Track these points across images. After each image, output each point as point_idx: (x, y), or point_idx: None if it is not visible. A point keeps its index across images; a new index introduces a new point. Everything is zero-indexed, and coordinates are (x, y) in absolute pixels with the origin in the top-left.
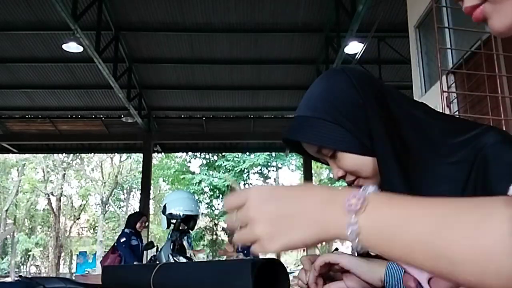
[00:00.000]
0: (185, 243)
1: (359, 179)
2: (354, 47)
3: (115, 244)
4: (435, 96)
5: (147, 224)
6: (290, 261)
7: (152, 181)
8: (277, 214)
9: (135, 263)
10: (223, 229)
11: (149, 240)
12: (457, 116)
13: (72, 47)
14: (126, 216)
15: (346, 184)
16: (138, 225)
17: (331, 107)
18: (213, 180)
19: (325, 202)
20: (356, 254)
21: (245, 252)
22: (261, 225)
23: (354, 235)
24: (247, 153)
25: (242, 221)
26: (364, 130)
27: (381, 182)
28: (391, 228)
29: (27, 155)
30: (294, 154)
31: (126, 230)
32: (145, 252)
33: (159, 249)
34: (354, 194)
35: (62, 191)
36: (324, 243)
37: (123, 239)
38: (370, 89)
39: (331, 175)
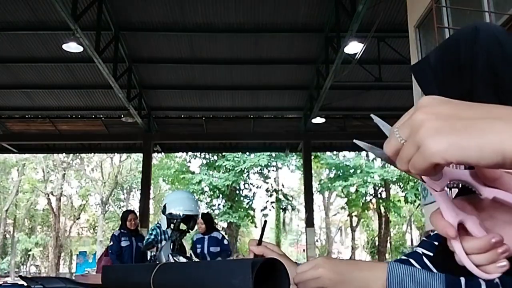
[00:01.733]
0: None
1: None
2: (354, 47)
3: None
4: None
5: (137, 220)
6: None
7: (152, 181)
8: (452, 113)
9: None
10: (222, 228)
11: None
12: None
13: (72, 47)
14: None
15: None
16: (128, 223)
17: (434, 57)
18: (213, 180)
19: None
20: None
21: None
22: (429, 122)
23: None
24: (247, 153)
25: (406, 131)
26: (461, 91)
27: None
28: None
29: (27, 155)
30: (294, 154)
31: (115, 232)
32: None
33: (159, 249)
34: None
35: (62, 191)
36: (325, 243)
37: (110, 243)
38: (490, 47)
39: (331, 175)
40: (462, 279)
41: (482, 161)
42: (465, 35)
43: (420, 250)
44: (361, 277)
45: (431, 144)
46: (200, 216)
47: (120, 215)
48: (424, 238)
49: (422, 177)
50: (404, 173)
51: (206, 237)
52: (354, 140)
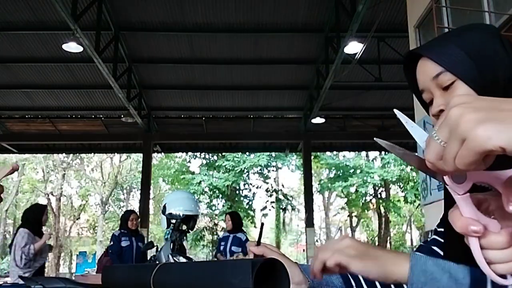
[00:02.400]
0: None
1: None
2: (354, 47)
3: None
4: None
5: (139, 220)
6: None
7: (152, 181)
8: (490, 106)
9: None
10: (222, 229)
11: (149, 240)
12: None
13: (72, 47)
14: None
15: None
16: (129, 223)
17: (474, 45)
18: (213, 180)
19: None
20: None
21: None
22: (468, 115)
23: None
24: (247, 153)
25: (445, 132)
26: (497, 81)
27: None
28: None
29: (27, 155)
30: (294, 154)
31: (115, 232)
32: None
33: (159, 249)
34: None
35: (62, 191)
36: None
37: (110, 243)
38: None
39: (331, 175)
40: (488, 278)
41: None
42: (491, 32)
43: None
44: (386, 256)
45: (477, 133)
46: (199, 216)
47: (121, 215)
48: (422, 243)
49: (445, 179)
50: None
51: (231, 236)
52: (375, 139)
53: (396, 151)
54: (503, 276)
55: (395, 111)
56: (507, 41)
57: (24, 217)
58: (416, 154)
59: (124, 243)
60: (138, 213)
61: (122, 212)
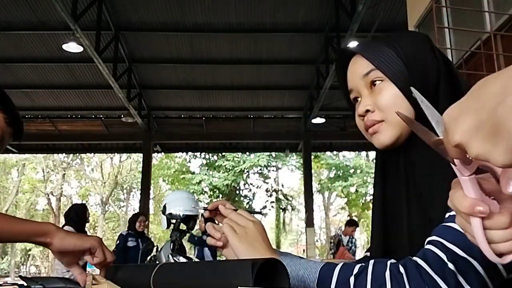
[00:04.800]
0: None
1: (378, 123)
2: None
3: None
4: None
5: (146, 223)
6: None
7: (152, 181)
8: (492, 107)
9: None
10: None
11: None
12: None
13: (72, 47)
14: (126, 216)
15: None
16: (137, 225)
17: (405, 48)
18: (213, 180)
19: None
20: None
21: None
22: (469, 117)
23: None
24: (247, 153)
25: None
26: (427, 84)
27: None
28: None
29: (27, 155)
30: (294, 154)
31: (123, 232)
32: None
33: (159, 249)
34: None
35: (62, 191)
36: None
37: (117, 242)
38: (446, 60)
39: (331, 175)
40: (338, 266)
41: None
42: (422, 38)
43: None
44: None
45: (473, 140)
46: (199, 216)
47: (129, 217)
48: None
49: (454, 160)
50: None
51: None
52: (412, 88)
53: (413, 125)
54: (500, 256)
55: (412, 89)
56: (437, 48)
57: (67, 216)
58: (429, 130)
59: (130, 243)
60: (145, 217)
61: (123, 212)
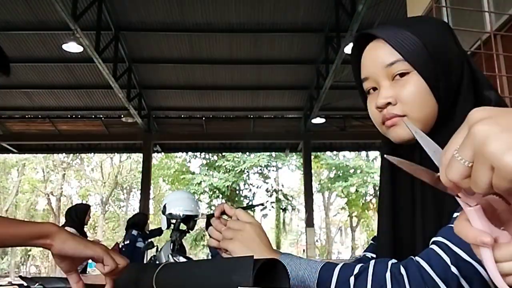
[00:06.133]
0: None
1: (398, 117)
2: None
3: (121, 246)
4: None
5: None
6: None
7: (152, 181)
8: None
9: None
10: None
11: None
12: None
13: (72, 47)
14: (126, 216)
15: None
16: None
17: (430, 37)
18: (213, 180)
19: None
20: None
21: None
22: (496, 135)
23: None
24: (247, 153)
25: (469, 152)
26: (451, 80)
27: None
28: None
29: (27, 155)
30: (294, 154)
31: (133, 232)
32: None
33: (159, 249)
34: None
35: (62, 191)
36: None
37: (127, 242)
38: (465, 52)
39: (331, 175)
40: (338, 266)
41: None
42: (443, 26)
43: (369, 254)
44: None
45: (506, 162)
46: (199, 216)
47: (134, 215)
48: (372, 241)
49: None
50: None
51: None
52: (386, 156)
53: (408, 166)
54: None
55: (405, 120)
56: (456, 37)
57: (68, 216)
58: (427, 169)
59: (139, 244)
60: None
61: (123, 212)
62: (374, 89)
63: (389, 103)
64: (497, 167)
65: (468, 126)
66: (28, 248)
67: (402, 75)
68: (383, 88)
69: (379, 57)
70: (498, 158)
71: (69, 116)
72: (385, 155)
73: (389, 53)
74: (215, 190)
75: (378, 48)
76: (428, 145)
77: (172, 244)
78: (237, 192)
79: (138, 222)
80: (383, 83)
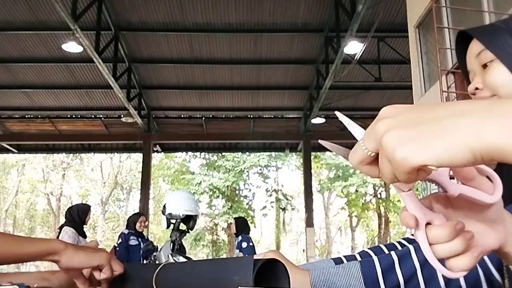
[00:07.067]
0: None
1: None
2: (353, 47)
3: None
4: (435, 96)
5: (146, 223)
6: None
7: (152, 181)
8: (414, 118)
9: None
10: (222, 228)
11: (149, 240)
12: None
13: (72, 47)
14: (126, 216)
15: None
16: (138, 225)
17: None
18: (213, 180)
19: (484, 110)
20: None
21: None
22: (391, 132)
23: None
24: (247, 153)
25: (372, 144)
26: None
27: None
28: None
29: (27, 155)
30: (294, 154)
31: (124, 231)
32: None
33: (159, 249)
34: None
35: (62, 191)
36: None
37: (119, 241)
38: None
39: (331, 175)
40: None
41: (454, 161)
42: None
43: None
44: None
45: (396, 156)
46: (199, 216)
47: (129, 216)
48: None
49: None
50: None
51: (236, 240)
52: (319, 141)
53: (341, 152)
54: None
55: (337, 113)
56: None
57: (68, 216)
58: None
59: (132, 242)
60: (145, 217)
61: (123, 212)
62: None
63: (476, 88)
64: (391, 161)
65: (376, 120)
66: None
67: (487, 63)
68: (476, 76)
69: (471, 50)
70: (391, 153)
71: (69, 116)
72: (319, 140)
73: (478, 45)
74: (215, 190)
75: (473, 43)
76: (359, 133)
77: (172, 244)
78: (237, 192)
79: (129, 223)
80: (477, 72)
